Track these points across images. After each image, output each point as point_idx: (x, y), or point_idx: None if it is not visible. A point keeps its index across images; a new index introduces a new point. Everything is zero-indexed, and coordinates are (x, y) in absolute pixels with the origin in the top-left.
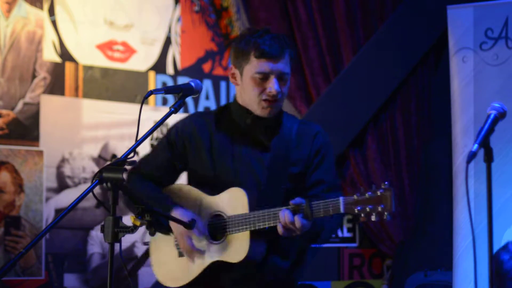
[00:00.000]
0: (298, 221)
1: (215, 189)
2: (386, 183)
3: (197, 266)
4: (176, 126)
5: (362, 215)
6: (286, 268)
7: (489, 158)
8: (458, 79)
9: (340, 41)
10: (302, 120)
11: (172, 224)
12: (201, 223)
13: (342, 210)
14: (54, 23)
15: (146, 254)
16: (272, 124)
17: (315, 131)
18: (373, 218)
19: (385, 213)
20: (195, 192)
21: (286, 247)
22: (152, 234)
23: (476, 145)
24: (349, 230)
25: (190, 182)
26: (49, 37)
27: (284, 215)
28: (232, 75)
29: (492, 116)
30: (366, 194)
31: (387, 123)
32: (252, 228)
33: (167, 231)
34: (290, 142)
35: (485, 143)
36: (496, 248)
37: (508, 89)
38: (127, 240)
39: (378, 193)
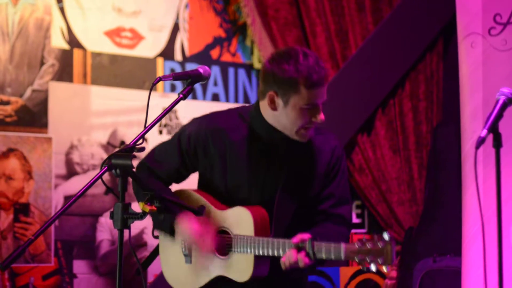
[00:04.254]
0: (301, 260)
1: (225, 201)
2: (387, 234)
3: (203, 277)
4: (188, 133)
5: (361, 265)
6: (295, 273)
7: (498, 143)
8: (467, 64)
9: (349, 27)
10: (317, 128)
11: (183, 227)
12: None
13: (343, 257)
14: (62, 9)
15: (157, 250)
16: (300, 143)
17: (334, 145)
18: (372, 268)
19: (385, 265)
20: (203, 202)
21: None
22: (161, 220)
23: (485, 131)
24: (358, 216)
25: (200, 186)
26: (57, 23)
27: (287, 256)
28: (271, 101)
29: (501, 101)
30: (367, 245)
31: (396, 109)
32: (256, 253)
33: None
34: (307, 155)
35: (494, 129)
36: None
37: None
38: (136, 226)
39: (379, 245)
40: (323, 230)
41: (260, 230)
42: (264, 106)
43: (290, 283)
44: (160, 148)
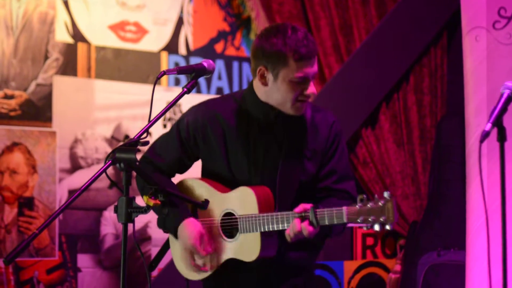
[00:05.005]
0: (305, 229)
1: (228, 185)
2: (388, 193)
3: (215, 261)
4: (186, 121)
5: (365, 226)
6: (301, 257)
7: (502, 137)
8: (471, 58)
9: (353, 21)
10: (315, 106)
11: (182, 237)
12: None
13: (345, 220)
14: (66, 3)
15: (167, 245)
16: (296, 119)
17: (332, 121)
18: (376, 228)
19: (387, 223)
20: (205, 188)
21: (297, 244)
22: (165, 214)
23: (489, 124)
24: None
25: (203, 174)
26: (61, 17)
27: (291, 227)
28: (261, 76)
29: (505, 95)
30: (368, 205)
31: (400, 102)
32: (262, 230)
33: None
34: (306, 132)
35: (498, 122)
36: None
37: None
38: (140, 220)
39: (380, 204)
40: (327, 204)
41: (265, 208)
42: (257, 84)
43: (298, 272)
44: (161, 141)
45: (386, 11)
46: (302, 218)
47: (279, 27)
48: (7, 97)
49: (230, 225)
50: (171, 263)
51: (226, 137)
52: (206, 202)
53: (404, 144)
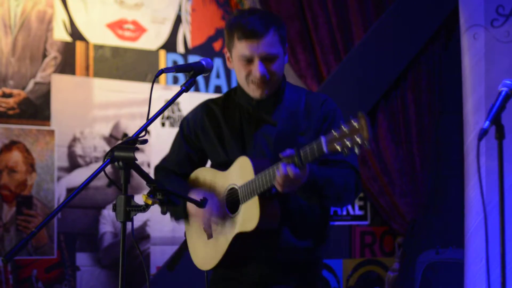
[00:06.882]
0: (290, 171)
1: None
2: (361, 112)
3: (223, 243)
4: (187, 118)
5: (345, 150)
6: (304, 248)
7: (500, 135)
8: (469, 56)
9: (351, 19)
10: (309, 91)
11: (189, 205)
12: (215, 199)
13: (325, 149)
14: (64, 2)
15: (184, 245)
16: (276, 101)
17: (323, 99)
18: (356, 151)
19: (365, 142)
20: (210, 171)
21: (300, 222)
22: (163, 213)
23: (487, 122)
24: (360, 208)
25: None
26: (60, 16)
27: (278, 170)
28: (227, 59)
29: (503, 93)
30: (343, 128)
31: (398, 100)
32: (259, 191)
33: (183, 212)
34: (299, 113)
35: (496, 120)
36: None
37: None
38: (139, 219)
39: (354, 123)
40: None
41: (261, 171)
42: None
43: (305, 265)
44: (170, 147)
45: (384, 9)
46: (288, 163)
47: (243, 10)
48: (5, 95)
49: (234, 200)
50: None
51: (222, 130)
52: (204, 200)
53: (402, 142)
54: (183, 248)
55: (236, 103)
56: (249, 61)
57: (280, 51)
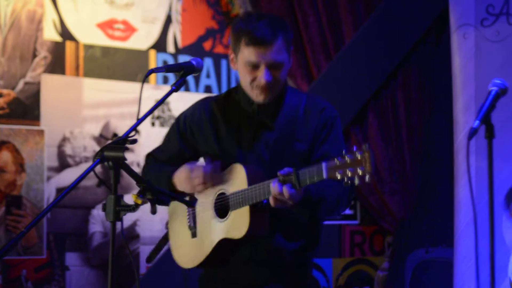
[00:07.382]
0: (286, 191)
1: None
2: (366, 145)
3: (208, 244)
4: (184, 114)
5: (345, 179)
6: (293, 250)
7: (490, 134)
8: (459, 55)
9: (341, 18)
10: (310, 94)
11: (176, 176)
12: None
13: (325, 176)
14: (54, 1)
15: (165, 238)
16: (277, 106)
17: (322, 106)
18: (356, 182)
19: (366, 175)
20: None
21: (290, 227)
22: (153, 212)
23: (477, 122)
24: (350, 207)
25: None
26: (50, 16)
27: (274, 186)
28: (231, 60)
29: (493, 92)
30: (346, 157)
31: (388, 100)
32: (250, 203)
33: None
34: (298, 119)
35: (486, 120)
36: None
37: (509, 66)
38: (128, 219)
39: (357, 155)
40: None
41: (254, 183)
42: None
43: (292, 266)
44: (163, 140)
45: (374, 8)
46: (285, 181)
47: (252, 13)
48: None
49: (223, 205)
50: (159, 262)
51: (219, 129)
52: (195, 200)
53: (392, 141)
54: (164, 241)
55: (236, 103)
56: (255, 67)
57: (286, 57)
